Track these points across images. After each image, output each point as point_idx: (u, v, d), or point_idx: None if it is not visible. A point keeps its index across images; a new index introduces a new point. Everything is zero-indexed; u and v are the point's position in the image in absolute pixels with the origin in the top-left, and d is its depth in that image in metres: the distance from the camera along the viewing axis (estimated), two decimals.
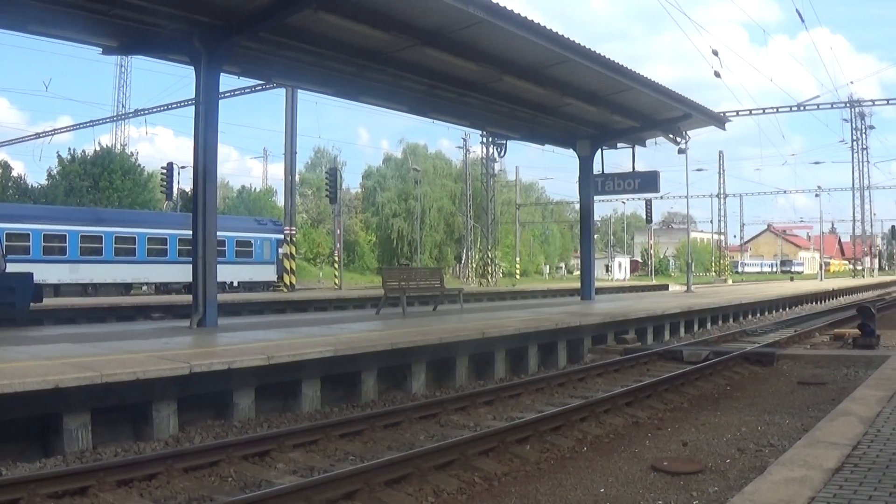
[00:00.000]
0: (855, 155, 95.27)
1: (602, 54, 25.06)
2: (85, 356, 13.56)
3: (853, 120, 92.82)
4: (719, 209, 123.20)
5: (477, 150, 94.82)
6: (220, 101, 21.40)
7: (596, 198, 37.63)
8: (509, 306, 33.49)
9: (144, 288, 56.80)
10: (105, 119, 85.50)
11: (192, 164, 21.29)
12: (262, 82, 48.10)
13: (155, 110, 70.03)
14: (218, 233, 20.88)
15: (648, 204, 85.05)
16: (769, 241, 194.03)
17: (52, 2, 18.21)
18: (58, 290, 47.36)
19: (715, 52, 54.92)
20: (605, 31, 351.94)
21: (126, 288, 53.14)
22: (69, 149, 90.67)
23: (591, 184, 35.77)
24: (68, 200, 76.00)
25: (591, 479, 10.05)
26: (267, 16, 19.25)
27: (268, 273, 60.16)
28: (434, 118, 33.18)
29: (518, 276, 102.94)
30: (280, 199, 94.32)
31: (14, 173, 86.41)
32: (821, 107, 68.88)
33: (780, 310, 42.07)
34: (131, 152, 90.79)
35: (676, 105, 31.41)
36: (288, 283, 57.39)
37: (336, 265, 68.81)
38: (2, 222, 46.48)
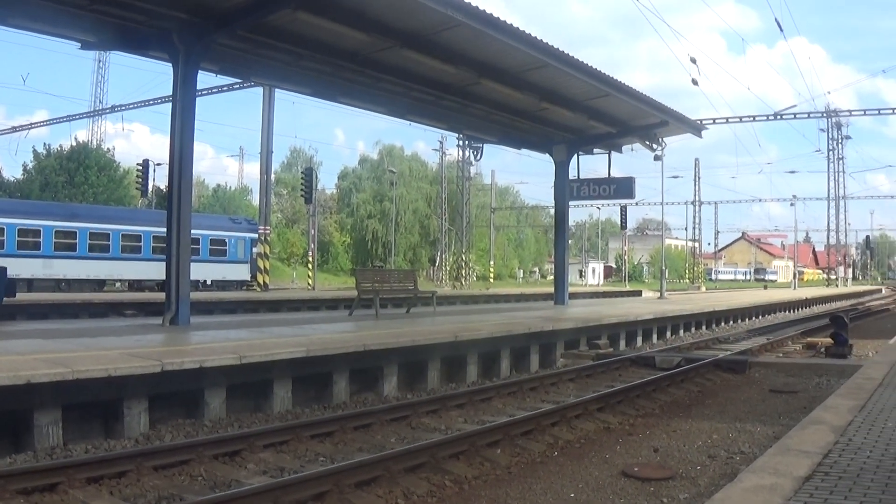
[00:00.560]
0: (831, 165, 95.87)
1: (580, 60, 25.13)
2: (57, 352, 13.52)
3: (830, 130, 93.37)
4: (694, 216, 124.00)
5: (453, 152, 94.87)
6: (198, 99, 21.39)
7: (571, 203, 37.71)
8: (482, 310, 33.50)
9: (118, 285, 56.74)
10: (82, 114, 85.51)
11: (167, 162, 21.24)
12: (239, 81, 48.01)
13: (132, 107, 69.86)
14: (192, 231, 20.86)
15: (623, 210, 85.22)
16: (743, 250, 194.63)
17: None
18: (31, 285, 47.18)
19: (693, 60, 54.94)
20: (583, 36, 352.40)
21: (99, 284, 53.00)
22: (45, 143, 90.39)
23: (567, 189, 35.81)
24: (43, 195, 75.77)
25: (561, 484, 10.05)
26: (246, 14, 19.24)
27: (241, 272, 60.06)
28: (411, 120, 33.18)
29: (492, 280, 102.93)
30: (255, 199, 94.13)
31: None
32: (797, 116, 69.11)
33: (753, 318, 42.17)
34: (108, 148, 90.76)
35: (653, 112, 31.49)
36: (261, 283, 57.36)
37: (310, 265, 68.67)
38: None
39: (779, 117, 67.51)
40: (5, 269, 22.93)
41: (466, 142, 68.68)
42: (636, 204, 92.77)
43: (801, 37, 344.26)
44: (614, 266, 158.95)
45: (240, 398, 14.29)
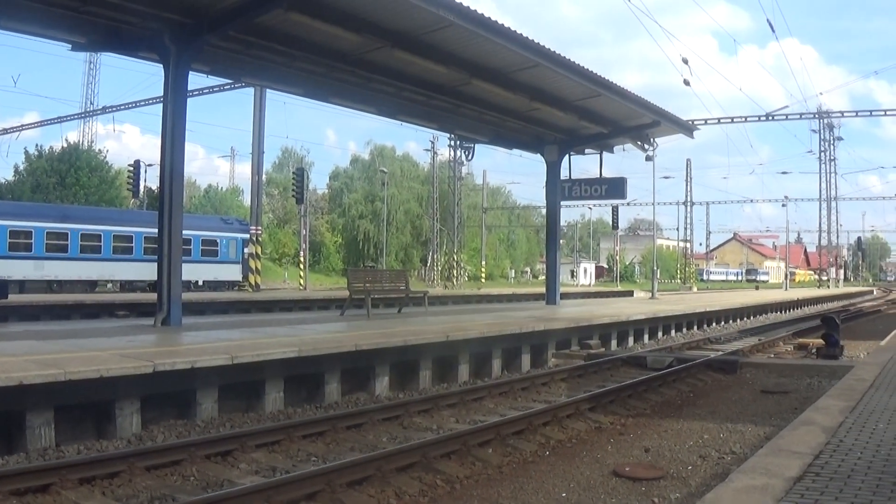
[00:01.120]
0: (822, 166, 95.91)
1: (572, 60, 25.14)
2: (49, 353, 13.52)
3: (822, 131, 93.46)
4: (686, 217, 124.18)
5: (445, 153, 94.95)
6: (189, 100, 21.35)
7: (563, 203, 37.75)
8: (474, 310, 33.52)
9: (109, 286, 56.64)
10: (73, 115, 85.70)
11: (158, 162, 21.24)
12: (231, 81, 47.99)
13: (123, 107, 69.99)
14: (183, 231, 20.84)
15: (615, 210, 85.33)
16: (735, 250, 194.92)
17: None
18: (23, 286, 47.20)
19: (685, 60, 54.91)
20: (574, 36, 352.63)
21: (91, 285, 52.94)
22: (36, 145, 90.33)
23: (558, 189, 35.80)
24: (34, 197, 75.62)
25: (552, 483, 10.07)
26: (238, 15, 19.22)
27: (233, 272, 60.04)
28: (402, 120, 33.14)
29: (483, 280, 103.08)
30: (246, 199, 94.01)
31: None
32: (789, 117, 69.32)
33: (745, 318, 42.17)
34: (99, 149, 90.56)
35: (645, 112, 31.50)
36: (253, 283, 57.36)
37: (301, 266, 68.69)
38: None
39: (771, 118, 67.67)
40: None
41: (458, 142, 68.62)
42: (628, 204, 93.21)
43: (793, 38, 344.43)
44: (606, 266, 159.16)
45: (232, 398, 14.29)
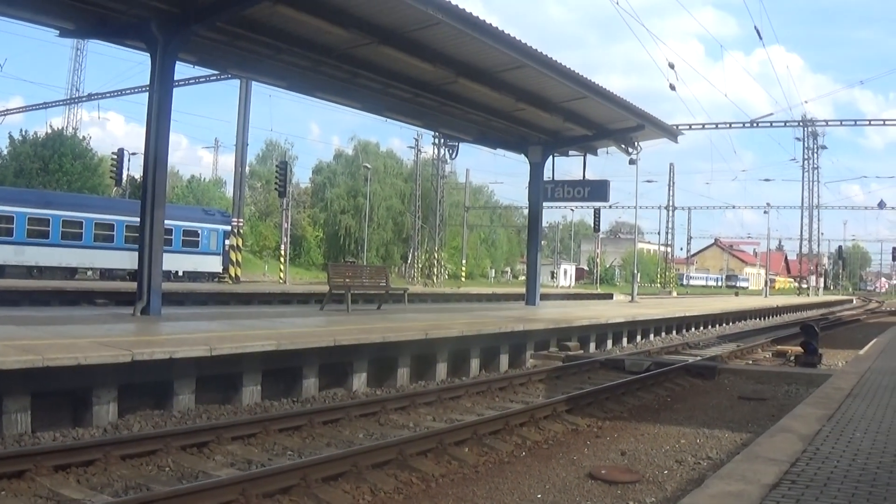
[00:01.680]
0: (806, 174, 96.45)
1: (558, 62, 25.16)
2: (27, 339, 13.46)
3: (805, 139, 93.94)
4: (667, 221, 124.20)
5: (429, 150, 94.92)
6: (174, 89, 21.33)
7: (545, 204, 37.75)
8: (453, 308, 33.51)
9: (89, 273, 56.46)
10: (58, 102, 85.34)
11: (142, 151, 21.24)
12: (217, 72, 47.88)
13: (108, 95, 69.64)
14: (165, 221, 20.81)
15: (597, 212, 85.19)
16: (716, 256, 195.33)
17: None
18: (2, 271, 47.14)
19: (671, 65, 55.64)
20: (560, 38, 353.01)
21: (71, 272, 52.77)
22: (21, 130, 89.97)
23: (541, 190, 35.83)
24: (17, 182, 75.53)
25: (528, 484, 10.07)
26: (226, 6, 19.24)
27: (213, 264, 59.95)
28: (387, 117, 33.17)
29: (463, 279, 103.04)
30: (229, 191, 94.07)
31: None
32: (774, 124, 69.49)
33: (724, 324, 42.29)
34: (83, 136, 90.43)
35: (630, 116, 31.56)
36: (233, 275, 57.31)
37: (282, 259, 68.63)
38: None
39: (755, 125, 67.77)
40: None
41: (442, 140, 68.73)
42: (610, 207, 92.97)
43: (780, 45, 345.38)
44: (586, 268, 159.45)
45: (209, 390, 14.27)
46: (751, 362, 24.34)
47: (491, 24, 21.81)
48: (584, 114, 31.21)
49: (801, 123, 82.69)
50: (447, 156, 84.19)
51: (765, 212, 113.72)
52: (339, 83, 25.72)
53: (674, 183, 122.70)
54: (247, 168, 68.90)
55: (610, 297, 75.03)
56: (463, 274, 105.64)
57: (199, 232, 59.39)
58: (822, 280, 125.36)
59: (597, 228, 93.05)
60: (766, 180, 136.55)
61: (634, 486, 10.05)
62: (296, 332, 17.53)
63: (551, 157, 36.02)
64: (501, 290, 75.67)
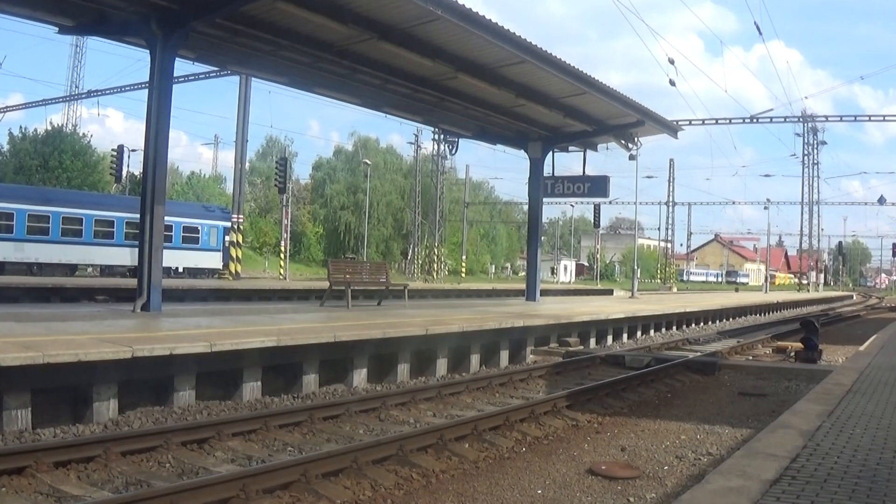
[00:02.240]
0: (806, 170, 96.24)
1: (558, 57, 25.13)
2: (28, 336, 13.46)
3: (805, 135, 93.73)
4: (667, 217, 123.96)
5: (428, 146, 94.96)
6: (174, 86, 21.33)
7: (545, 200, 37.66)
8: (454, 304, 33.49)
9: (90, 270, 56.48)
10: (58, 98, 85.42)
11: (141, 148, 21.23)
12: (216, 69, 47.85)
13: (108, 92, 69.65)
14: (165, 218, 20.81)
15: (597, 208, 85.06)
16: (716, 251, 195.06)
17: None
18: (2, 268, 47.15)
19: (671, 61, 55.49)
20: (560, 33, 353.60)
21: (71, 269, 52.80)
22: (20, 127, 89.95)
23: (541, 186, 35.81)
24: (17, 178, 75.56)
25: (528, 480, 10.07)
26: (225, 2, 19.22)
27: (213, 260, 59.95)
28: (387, 113, 33.14)
29: (463, 275, 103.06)
30: (229, 187, 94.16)
31: None
32: (774, 120, 69.34)
33: (724, 320, 42.25)
34: (83, 133, 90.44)
35: (630, 112, 31.53)
36: (233, 272, 57.26)
37: (282, 255, 68.63)
38: None
39: (755, 120, 67.76)
40: None
41: (442, 136, 68.59)
42: (610, 203, 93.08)
43: (779, 40, 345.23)
44: (586, 264, 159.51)
45: (210, 386, 14.29)
46: (751, 358, 24.35)
47: (490, 20, 21.78)
48: (583, 109, 31.19)
49: (800, 119, 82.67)
50: (447, 151, 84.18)
51: (765, 207, 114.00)
52: (339, 79, 25.71)
53: (674, 179, 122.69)
54: (247, 164, 68.85)
55: (610, 292, 75.01)
56: (463, 270, 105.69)
57: (200, 228, 59.40)
58: (822, 276, 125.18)
59: (597, 224, 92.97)
60: (767, 176, 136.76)
61: (635, 482, 10.05)
62: (296, 328, 17.51)
63: (551, 152, 36.01)
64: (501, 285, 75.65)
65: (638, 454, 11.57)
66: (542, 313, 26.58)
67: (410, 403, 14.55)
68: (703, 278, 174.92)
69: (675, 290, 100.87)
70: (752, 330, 35.94)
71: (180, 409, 13.36)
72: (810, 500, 6.34)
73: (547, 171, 36.09)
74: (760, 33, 76.07)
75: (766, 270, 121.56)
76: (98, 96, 72.45)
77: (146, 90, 21.00)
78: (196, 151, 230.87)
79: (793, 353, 23.98)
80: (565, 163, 42.68)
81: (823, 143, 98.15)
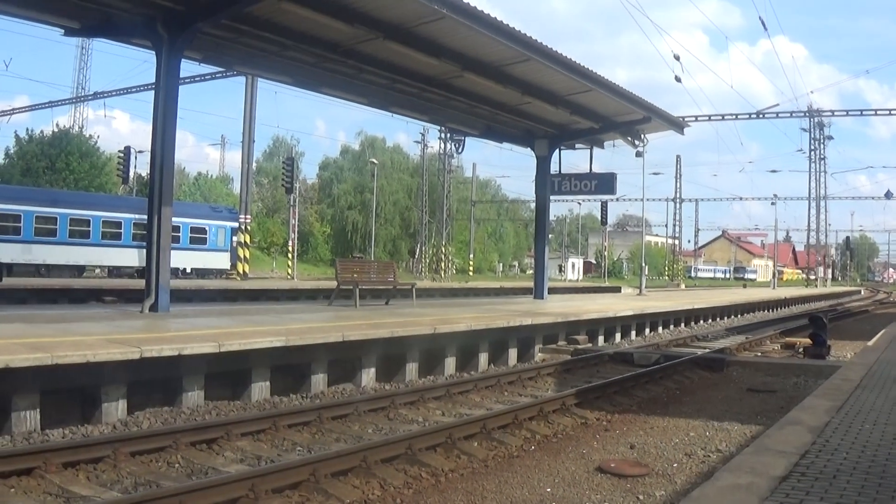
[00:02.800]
0: (812, 165, 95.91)
1: (564, 55, 25.11)
2: (36, 337, 13.47)
3: (812, 130, 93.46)
4: (675, 213, 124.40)
5: (435, 145, 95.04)
6: (180, 87, 21.34)
7: (552, 197, 37.63)
8: (461, 303, 33.51)
9: (97, 271, 56.53)
10: (64, 101, 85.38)
11: (148, 149, 21.27)
12: (222, 69, 47.89)
13: (114, 94, 69.74)
14: (173, 218, 20.82)
15: (604, 206, 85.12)
16: (723, 248, 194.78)
17: None
18: (10, 269, 47.17)
19: (676, 57, 55.24)
20: (564, 30, 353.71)
21: (79, 270, 52.83)
22: (27, 129, 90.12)
23: (548, 183, 35.76)
24: (24, 180, 75.66)
25: (537, 478, 10.06)
26: (230, 3, 19.22)
27: (221, 261, 59.96)
28: (393, 112, 33.17)
29: (471, 273, 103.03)
30: (236, 187, 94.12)
31: None
32: (780, 115, 69.43)
33: (732, 316, 42.17)
34: (90, 135, 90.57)
35: (636, 108, 31.50)
36: (241, 272, 57.32)
37: (290, 255, 68.69)
38: None
39: (761, 116, 67.75)
40: None
41: (448, 134, 68.57)
42: (617, 200, 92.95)
43: (784, 35, 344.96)
44: (594, 262, 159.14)
45: (218, 386, 14.30)
46: (759, 354, 24.33)
47: (496, 18, 21.76)
48: (590, 107, 31.17)
49: (807, 114, 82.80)
50: (454, 150, 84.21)
51: (772, 203, 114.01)
52: (345, 79, 25.72)
53: (681, 175, 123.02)
54: (253, 165, 69.06)
55: (618, 290, 74.89)
56: (470, 268, 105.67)
57: (207, 229, 59.40)
58: (829, 271, 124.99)
59: (604, 221, 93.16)
60: (773, 171, 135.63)
61: (644, 480, 10.04)
62: (304, 327, 17.52)
63: (558, 150, 35.96)
64: (509, 284, 75.56)
65: (647, 451, 11.56)
66: (551, 311, 26.58)
67: (419, 402, 14.55)
68: (710, 275, 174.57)
69: (683, 286, 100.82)
70: (760, 326, 35.90)
71: (189, 409, 13.38)
72: (819, 496, 6.33)
73: (554, 168, 36.04)
74: (765, 28, 76.42)
75: (774, 266, 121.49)
76: (104, 98, 72.59)
77: (152, 91, 21.01)
78: (203, 152, 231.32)
79: (801, 349, 23.98)
80: (572, 160, 42.78)
81: (830, 137, 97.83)
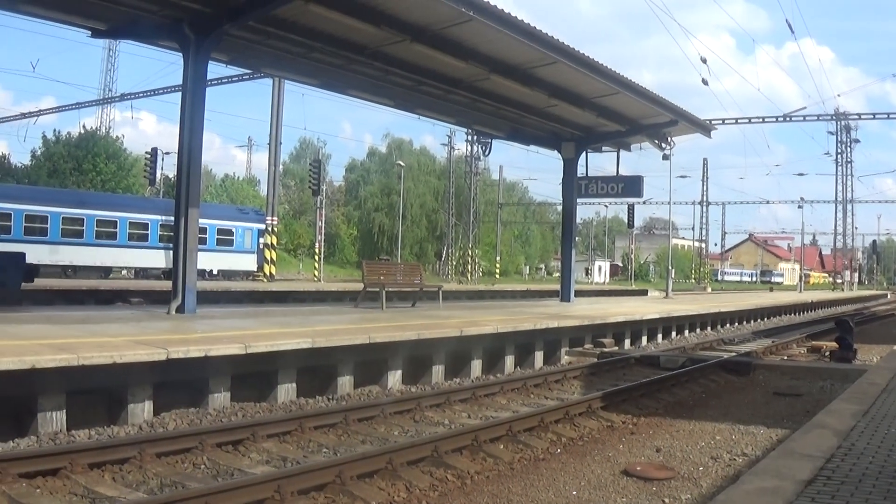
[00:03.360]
0: (839, 168, 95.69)
1: (591, 57, 25.10)
2: (62, 338, 13.51)
3: (839, 133, 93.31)
4: (701, 217, 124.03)
5: (461, 147, 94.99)
6: (207, 89, 21.39)
7: (579, 200, 37.60)
8: (488, 305, 33.45)
9: (124, 272, 56.72)
10: (91, 102, 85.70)
11: (175, 150, 21.34)
12: (249, 71, 48.00)
13: (141, 95, 69.91)
14: (200, 220, 20.86)
15: (631, 208, 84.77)
16: (750, 251, 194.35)
17: None
18: (37, 271, 47.28)
19: (703, 60, 54.94)
20: (590, 32, 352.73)
21: (106, 272, 53.02)
22: (54, 130, 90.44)
23: (575, 186, 35.73)
24: (51, 182, 76.02)
25: (563, 481, 10.04)
26: (257, 5, 19.26)
27: (248, 262, 60.12)
28: (420, 114, 33.23)
29: (498, 276, 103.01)
30: (263, 189, 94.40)
31: None
32: (807, 118, 69.19)
33: (759, 320, 42.03)
34: (117, 136, 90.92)
35: (663, 111, 31.45)
36: (268, 274, 57.42)
37: (316, 257, 68.75)
38: None
39: (788, 119, 67.52)
40: (24, 254, 23.08)
41: (475, 137, 68.62)
42: (644, 203, 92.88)
43: (810, 38, 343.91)
44: (620, 265, 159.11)
45: (244, 388, 14.31)
46: (786, 358, 24.22)
47: (523, 21, 21.75)
48: (617, 109, 31.13)
49: (833, 117, 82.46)
50: (480, 152, 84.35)
51: (799, 206, 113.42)
52: (372, 81, 25.76)
53: (707, 178, 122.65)
54: (280, 167, 69.02)
55: (644, 293, 74.73)
56: (497, 271, 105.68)
57: (234, 230, 59.62)
58: (856, 275, 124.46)
59: (631, 224, 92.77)
60: (800, 175, 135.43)
61: (669, 483, 10.01)
62: (331, 329, 17.52)
63: (584, 153, 35.95)
64: (536, 286, 75.51)
65: (673, 455, 11.53)
66: (577, 314, 26.53)
67: (445, 405, 14.53)
68: (737, 278, 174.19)
69: (709, 290, 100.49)
70: (786, 330, 35.74)
71: (215, 410, 13.38)
72: (845, 500, 6.30)
73: (580, 171, 36.04)
74: (792, 31, 76.01)
75: (801, 270, 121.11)
76: (131, 99, 72.68)
77: (179, 93, 21.07)
78: (230, 154, 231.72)
79: (827, 353, 23.85)
80: (598, 163, 42.69)
81: (857, 141, 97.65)
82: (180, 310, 19.96)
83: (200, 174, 21.37)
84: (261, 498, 8.33)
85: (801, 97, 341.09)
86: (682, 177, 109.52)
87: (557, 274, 55.43)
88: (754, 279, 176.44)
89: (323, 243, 71.02)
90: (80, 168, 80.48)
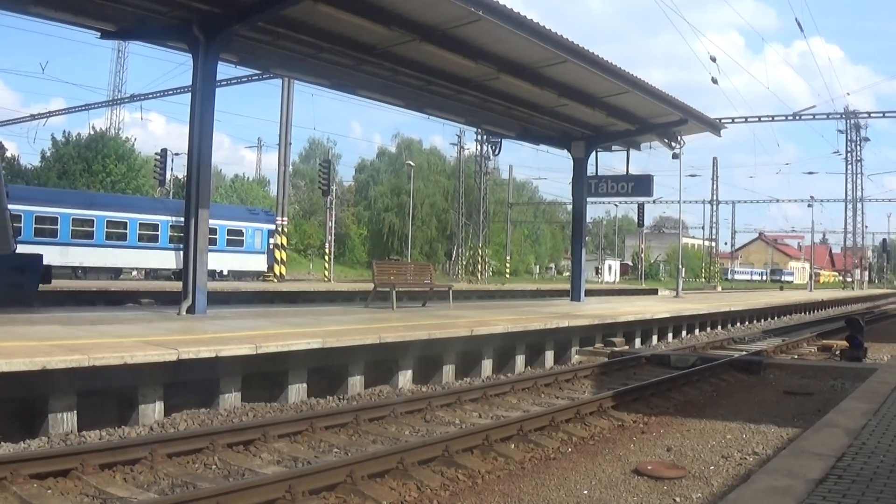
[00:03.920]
0: (849, 166, 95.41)
1: (600, 56, 25.07)
2: (73, 339, 13.53)
3: (848, 131, 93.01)
4: (711, 215, 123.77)
5: (471, 147, 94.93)
6: (216, 89, 21.39)
7: (589, 199, 37.59)
8: (498, 305, 33.42)
9: (134, 273, 56.76)
10: (101, 103, 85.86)
11: (184, 151, 21.40)
12: (258, 72, 48.03)
13: (150, 96, 70.00)
14: (210, 221, 20.87)
15: (640, 208, 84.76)
16: (760, 250, 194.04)
17: None
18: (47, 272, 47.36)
19: (713, 59, 54.97)
20: (599, 31, 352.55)
21: (116, 273, 53.04)
22: (63, 131, 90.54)
23: (584, 185, 35.72)
24: (61, 183, 76.08)
25: (574, 480, 10.02)
26: (266, 6, 19.25)
27: (258, 263, 60.17)
28: (429, 114, 33.22)
29: (508, 276, 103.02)
30: (272, 190, 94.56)
31: (7, 154, 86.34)
32: (816, 117, 69.12)
33: (769, 318, 41.97)
34: (126, 137, 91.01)
35: (673, 110, 31.44)
36: (278, 274, 57.45)
37: (326, 257, 68.79)
38: None
39: (798, 118, 67.42)
40: (41, 256, 23.11)
41: (485, 136, 68.55)
42: (653, 202, 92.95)
43: (819, 36, 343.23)
44: (630, 264, 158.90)
45: (255, 388, 14.32)
46: (796, 357, 24.18)
47: (531, 20, 21.74)
48: (626, 108, 31.11)
49: (843, 115, 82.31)
50: (490, 152, 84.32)
51: (809, 205, 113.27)
52: (381, 81, 25.77)
53: (717, 177, 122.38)
54: (290, 167, 69.05)
55: (654, 292, 74.67)
56: (507, 270, 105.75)
57: (244, 231, 59.67)
58: (866, 274, 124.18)
59: (641, 224, 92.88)
60: (810, 173, 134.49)
61: (680, 482, 9.99)
62: (341, 329, 17.52)
63: (594, 152, 35.96)
64: (546, 286, 75.43)
65: (684, 454, 11.51)
66: (587, 313, 26.51)
67: (456, 404, 14.52)
68: (747, 277, 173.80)
69: (719, 288, 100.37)
70: (796, 328, 35.64)
71: (226, 410, 13.40)
72: (856, 499, 6.30)
73: (590, 170, 36.03)
74: (801, 29, 76.06)
75: (811, 268, 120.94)
76: (141, 100, 72.77)
77: (189, 94, 21.08)
78: (239, 154, 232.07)
79: (838, 352, 23.83)
80: (608, 162, 42.66)
81: (866, 139, 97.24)
82: (191, 310, 19.97)
83: (210, 175, 21.37)
84: (272, 498, 8.32)
85: (810, 95, 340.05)
86: (691, 176, 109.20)
87: (567, 273, 55.46)
88: (764, 278, 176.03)
89: (333, 243, 71.07)
90: (89, 169, 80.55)
